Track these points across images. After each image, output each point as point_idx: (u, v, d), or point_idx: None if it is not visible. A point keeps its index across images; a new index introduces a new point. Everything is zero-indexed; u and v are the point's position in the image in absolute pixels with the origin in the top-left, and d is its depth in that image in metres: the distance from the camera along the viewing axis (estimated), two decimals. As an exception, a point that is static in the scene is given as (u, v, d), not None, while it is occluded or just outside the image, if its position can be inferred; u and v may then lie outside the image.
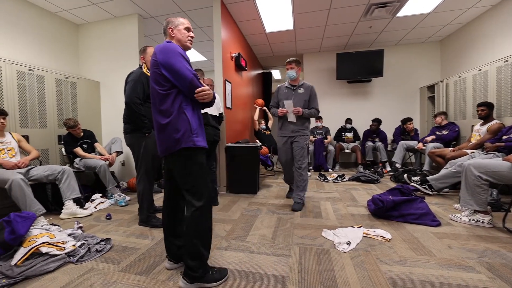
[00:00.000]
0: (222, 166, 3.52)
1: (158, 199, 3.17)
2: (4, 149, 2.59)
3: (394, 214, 2.36)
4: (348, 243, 1.87)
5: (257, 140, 5.02)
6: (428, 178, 3.15)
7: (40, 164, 2.98)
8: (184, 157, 1.39)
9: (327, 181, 4.13)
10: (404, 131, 4.87)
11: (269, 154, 4.55)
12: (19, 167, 2.55)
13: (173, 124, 1.36)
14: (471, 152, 3.04)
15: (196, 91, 1.37)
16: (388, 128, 5.28)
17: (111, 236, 2.07)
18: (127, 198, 3.15)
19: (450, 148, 3.57)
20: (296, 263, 1.64)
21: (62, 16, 3.92)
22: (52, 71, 3.38)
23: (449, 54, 5.09)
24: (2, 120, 2.55)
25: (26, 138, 2.95)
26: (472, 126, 3.60)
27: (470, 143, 3.31)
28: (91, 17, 3.97)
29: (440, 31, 4.86)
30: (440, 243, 1.88)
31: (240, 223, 2.36)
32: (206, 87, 1.39)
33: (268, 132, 5.18)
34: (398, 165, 4.45)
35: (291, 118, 2.74)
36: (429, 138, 4.11)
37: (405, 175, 3.64)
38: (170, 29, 1.50)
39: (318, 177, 4.30)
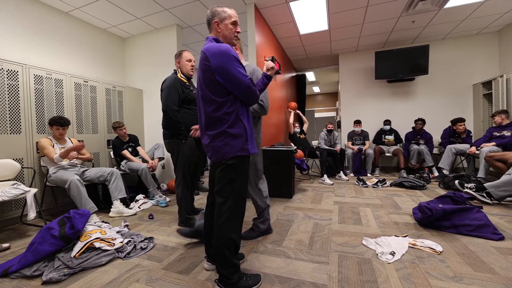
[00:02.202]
0: (257, 170, 3.53)
1: (195, 202, 3.29)
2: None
3: (445, 224, 2.14)
4: (392, 254, 1.74)
5: (292, 144, 4.97)
6: (485, 185, 2.81)
7: (93, 167, 3.29)
8: (234, 164, 1.36)
9: (366, 186, 3.92)
10: (454, 133, 4.41)
11: (304, 158, 4.46)
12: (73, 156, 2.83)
13: (229, 132, 1.33)
14: (541, 156, 2.65)
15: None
16: (435, 130, 4.84)
17: (154, 235, 2.20)
18: (167, 199, 3.31)
19: (513, 152, 3.14)
20: (335, 272, 1.57)
21: (111, 32, 4.31)
22: (102, 81, 3.72)
23: (510, 45, 4.52)
24: (62, 129, 2.86)
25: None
26: (541, 126, 3.13)
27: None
28: (135, 30, 4.31)
29: (497, 20, 4.34)
30: (504, 259, 1.65)
31: (275, 227, 2.33)
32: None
33: (303, 135, 5.09)
34: (445, 171, 4.04)
35: None
36: (489, 145, 3.58)
37: (456, 182, 3.27)
38: (216, 23, 1.40)
39: (357, 181, 4.10)
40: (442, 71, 5.18)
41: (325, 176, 4.29)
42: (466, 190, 2.93)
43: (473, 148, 3.80)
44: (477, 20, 4.29)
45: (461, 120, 4.27)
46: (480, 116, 4.78)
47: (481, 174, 3.48)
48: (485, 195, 2.77)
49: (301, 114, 5.47)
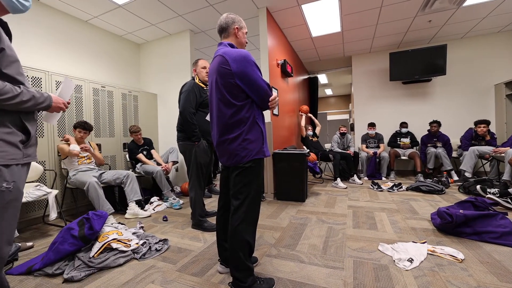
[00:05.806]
0: (269, 173, 3.52)
1: (208, 204, 3.32)
2: (84, 156, 3.02)
3: (466, 231, 2.05)
4: (410, 260, 1.68)
5: (304, 147, 4.93)
6: (510, 190, 2.68)
7: (109, 169, 3.39)
8: (251, 167, 1.37)
9: (381, 190, 3.82)
10: (476, 135, 4.19)
11: (317, 161, 4.41)
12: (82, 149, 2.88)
13: (247, 135, 1.35)
14: None
15: (270, 99, 1.38)
16: (453, 133, 4.68)
17: (168, 237, 2.23)
18: (181, 201, 3.36)
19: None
20: (350, 278, 1.53)
21: (127, 38, 4.45)
22: (119, 86, 3.83)
23: (534, 43, 4.31)
24: (84, 133, 2.95)
25: (99, 146, 3.39)
26: None
27: None
28: (150, 36, 4.43)
29: (520, 18, 4.16)
30: (532, 269, 1.56)
31: (289, 231, 2.31)
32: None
33: (316, 138, 5.04)
34: (468, 174, 3.86)
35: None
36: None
37: (478, 186, 3.15)
38: (237, 29, 1.46)
39: (371, 185, 4.00)
40: (461, 71, 5.00)
41: (339, 179, 4.23)
42: (489, 195, 2.80)
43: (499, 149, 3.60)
44: (498, 17, 4.12)
45: (481, 122, 4.04)
46: (503, 118, 4.57)
47: (506, 176, 3.30)
48: (509, 200, 2.64)
49: (313, 117, 5.42)
